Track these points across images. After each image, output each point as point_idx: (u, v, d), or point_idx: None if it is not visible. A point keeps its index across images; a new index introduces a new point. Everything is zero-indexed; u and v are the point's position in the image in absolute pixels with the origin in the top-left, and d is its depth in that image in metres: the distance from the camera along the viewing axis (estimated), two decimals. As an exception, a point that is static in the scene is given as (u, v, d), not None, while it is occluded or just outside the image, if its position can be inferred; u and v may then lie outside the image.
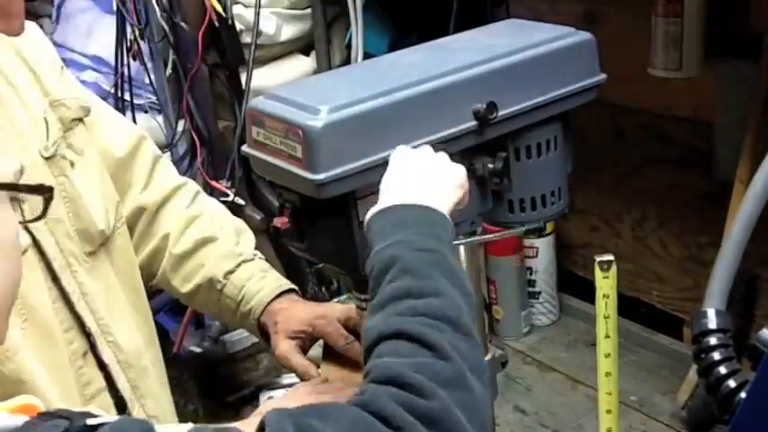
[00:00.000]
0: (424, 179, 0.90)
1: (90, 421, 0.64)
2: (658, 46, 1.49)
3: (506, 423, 1.59)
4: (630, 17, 1.60)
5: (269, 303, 1.30)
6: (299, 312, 1.29)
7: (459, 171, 0.96)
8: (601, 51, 1.20)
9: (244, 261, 1.34)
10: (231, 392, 1.43)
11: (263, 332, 1.32)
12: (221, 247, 1.35)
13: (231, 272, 1.33)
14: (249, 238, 1.39)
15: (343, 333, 1.28)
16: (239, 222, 1.42)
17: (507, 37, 1.20)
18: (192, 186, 1.42)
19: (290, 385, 1.42)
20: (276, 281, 1.33)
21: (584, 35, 1.20)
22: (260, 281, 1.31)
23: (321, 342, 1.31)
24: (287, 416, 0.69)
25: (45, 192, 0.69)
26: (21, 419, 0.63)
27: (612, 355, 1.27)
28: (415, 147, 0.98)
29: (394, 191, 0.89)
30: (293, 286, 1.34)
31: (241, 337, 1.77)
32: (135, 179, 1.34)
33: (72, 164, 1.16)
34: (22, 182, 0.66)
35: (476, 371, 0.76)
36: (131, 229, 1.35)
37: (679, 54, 1.48)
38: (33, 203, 0.68)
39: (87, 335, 1.15)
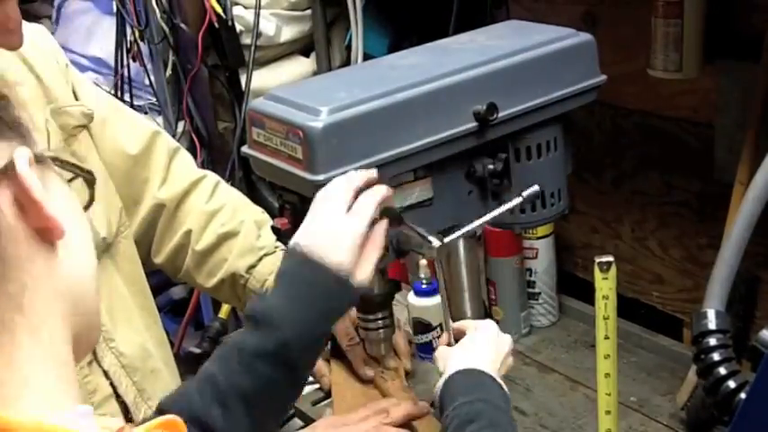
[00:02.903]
0: (496, 356, 1.12)
1: None
2: (658, 47, 1.49)
3: (506, 424, 1.58)
4: (630, 18, 1.60)
5: None
6: None
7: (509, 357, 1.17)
8: (600, 52, 1.20)
9: (265, 255, 1.34)
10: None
11: None
12: (243, 241, 1.35)
13: (253, 266, 1.33)
14: (270, 229, 1.39)
15: (349, 332, 1.28)
16: (260, 212, 1.41)
17: (507, 38, 1.20)
18: (211, 179, 1.42)
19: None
20: None
21: (584, 36, 1.20)
22: None
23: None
24: None
25: (87, 173, 0.66)
26: None
27: (612, 357, 1.27)
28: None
29: (474, 358, 1.09)
30: None
31: (241, 339, 1.77)
32: (152, 175, 1.34)
33: None
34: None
35: None
36: (153, 225, 1.35)
37: (679, 55, 1.47)
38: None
39: None
